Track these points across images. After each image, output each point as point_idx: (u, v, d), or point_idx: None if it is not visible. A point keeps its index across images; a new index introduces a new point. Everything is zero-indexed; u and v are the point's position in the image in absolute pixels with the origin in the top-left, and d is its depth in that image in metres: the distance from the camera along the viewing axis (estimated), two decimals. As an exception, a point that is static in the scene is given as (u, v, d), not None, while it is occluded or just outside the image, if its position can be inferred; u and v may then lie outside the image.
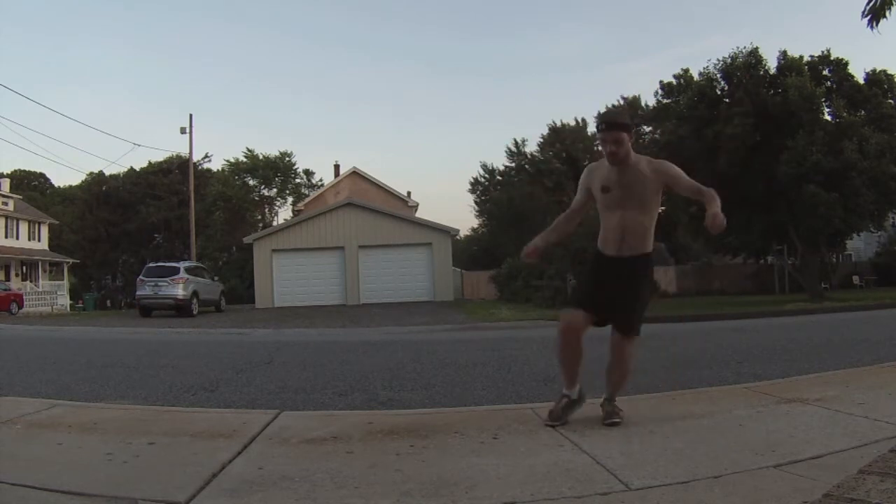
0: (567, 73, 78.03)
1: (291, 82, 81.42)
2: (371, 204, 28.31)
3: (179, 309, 20.19)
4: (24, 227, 36.30)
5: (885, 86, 19.46)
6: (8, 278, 32.31)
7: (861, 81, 19.66)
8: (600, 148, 3.39)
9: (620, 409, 3.32)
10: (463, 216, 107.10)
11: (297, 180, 48.94)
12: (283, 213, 46.68)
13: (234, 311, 23.43)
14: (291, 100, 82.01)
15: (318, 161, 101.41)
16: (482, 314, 16.77)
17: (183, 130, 29.15)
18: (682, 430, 3.15)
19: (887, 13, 5.20)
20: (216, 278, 25.33)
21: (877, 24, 5.25)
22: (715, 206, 3.08)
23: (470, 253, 44.09)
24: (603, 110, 3.47)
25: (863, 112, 19.08)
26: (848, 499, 2.02)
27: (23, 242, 35.62)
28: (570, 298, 3.49)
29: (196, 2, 76.57)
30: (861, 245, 32.59)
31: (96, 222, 44.31)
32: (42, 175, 55.35)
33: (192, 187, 30.27)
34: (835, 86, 19.79)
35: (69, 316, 25.67)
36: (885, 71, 19.55)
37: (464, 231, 46.70)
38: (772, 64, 20.22)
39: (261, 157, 46.52)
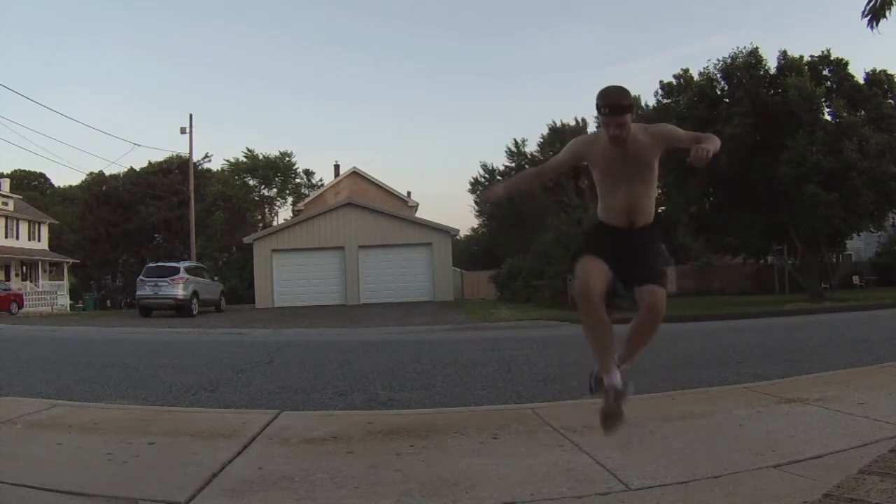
0: (567, 73, 78.01)
1: (291, 82, 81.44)
2: (371, 204, 28.30)
3: (179, 309, 20.20)
4: (24, 227, 36.28)
5: (885, 86, 19.46)
6: (8, 278, 32.30)
7: (861, 81, 19.66)
8: (600, 128, 3.19)
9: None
10: (463, 216, 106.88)
11: (297, 180, 49.04)
12: (283, 213, 46.79)
13: (234, 311, 23.42)
14: (291, 100, 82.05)
15: (318, 161, 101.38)
16: (482, 314, 16.77)
17: (183, 130, 29.19)
18: (682, 430, 3.15)
19: (887, 13, 5.21)
20: (216, 278, 25.32)
21: (877, 24, 5.26)
22: (709, 144, 2.90)
23: (470, 253, 44.15)
24: (602, 89, 3.11)
25: (863, 112, 19.07)
26: (848, 499, 2.02)
27: (23, 242, 35.61)
28: (578, 251, 3.08)
29: (196, 2, 76.56)
30: (861, 245, 32.57)
31: (96, 222, 44.27)
32: (42, 175, 55.44)
33: (192, 187, 30.28)
34: (835, 86, 19.79)
35: (69, 316, 25.66)
36: (885, 71, 19.57)
37: (464, 231, 46.81)
38: (772, 64, 20.24)
39: (261, 157, 46.60)
